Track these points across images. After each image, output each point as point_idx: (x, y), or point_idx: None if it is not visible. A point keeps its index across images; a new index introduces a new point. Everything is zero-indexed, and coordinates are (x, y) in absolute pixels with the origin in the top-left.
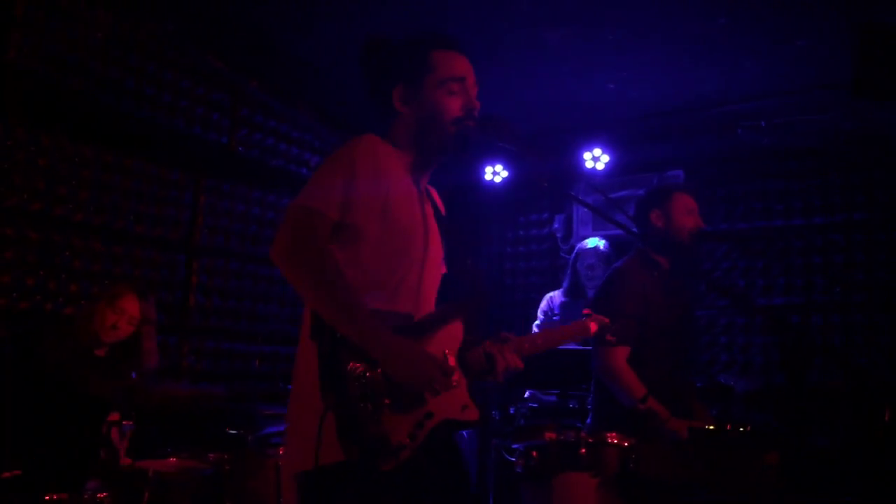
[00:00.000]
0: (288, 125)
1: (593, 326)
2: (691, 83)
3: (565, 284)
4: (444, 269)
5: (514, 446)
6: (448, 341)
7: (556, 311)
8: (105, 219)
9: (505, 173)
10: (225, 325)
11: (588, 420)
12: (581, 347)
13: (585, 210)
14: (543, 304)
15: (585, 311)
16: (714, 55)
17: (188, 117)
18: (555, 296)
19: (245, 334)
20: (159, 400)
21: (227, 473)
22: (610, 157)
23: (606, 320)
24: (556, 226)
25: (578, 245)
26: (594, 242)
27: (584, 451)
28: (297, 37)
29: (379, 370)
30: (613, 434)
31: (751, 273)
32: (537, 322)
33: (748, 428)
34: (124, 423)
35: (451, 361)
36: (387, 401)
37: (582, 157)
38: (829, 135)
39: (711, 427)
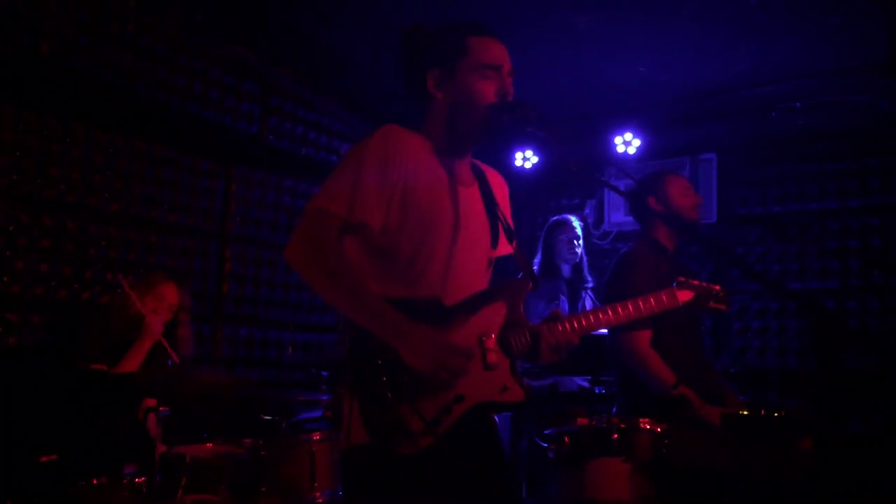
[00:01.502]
0: (317, 114)
1: (685, 295)
2: (723, 65)
3: (538, 262)
4: (504, 251)
5: (547, 432)
6: (487, 322)
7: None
8: (139, 208)
9: (535, 159)
10: (258, 313)
11: (614, 408)
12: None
13: (617, 195)
14: None
15: (680, 279)
16: (746, 36)
17: (218, 107)
18: None
19: (278, 322)
20: (197, 386)
21: (263, 459)
22: (641, 141)
23: (715, 287)
24: (587, 211)
25: (554, 219)
26: (571, 218)
27: (616, 436)
28: (326, 25)
29: (399, 356)
30: (646, 420)
31: (785, 257)
32: None
33: (782, 413)
34: (160, 409)
35: (490, 342)
36: (408, 386)
37: (613, 141)
38: (865, 116)
39: (745, 413)
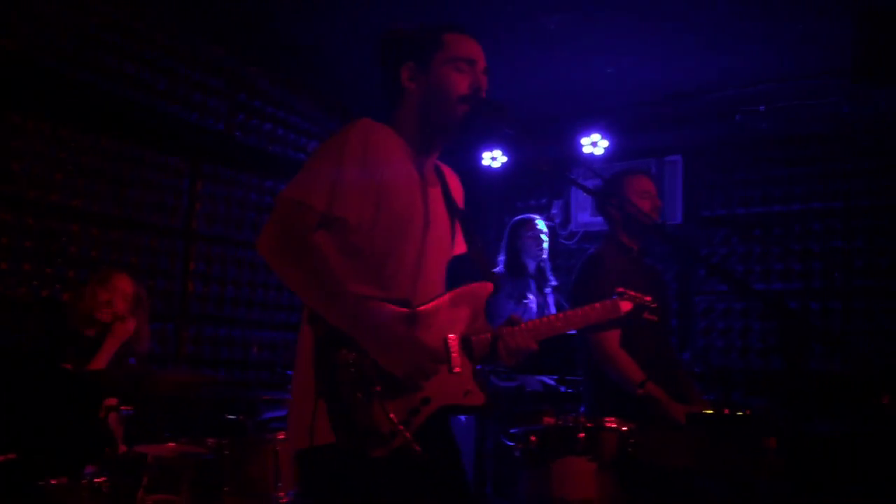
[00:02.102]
0: (286, 111)
1: (626, 306)
2: (691, 68)
3: (504, 261)
4: (459, 250)
5: (513, 431)
6: (451, 326)
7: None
8: (102, 205)
9: (504, 158)
10: (223, 312)
11: (582, 407)
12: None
13: (584, 195)
14: None
15: (619, 290)
16: (714, 40)
17: (185, 103)
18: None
19: (243, 321)
20: (161, 385)
21: (226, 459)
22: (609, 142)
23: (646, 298)
24: (554, 211)
25: (518, 218)
26: (535, 216)
27: (582, 435)
28: (296, 22)
29: (369, 357)
30: (612, 419)
31: (749, 259)
32: None
33: (747, 412)
34: (122, 408)
35: (454, 346)
36: (378, 388)
37: (580, 142)
38: (829, 120)
39: (710, 411)
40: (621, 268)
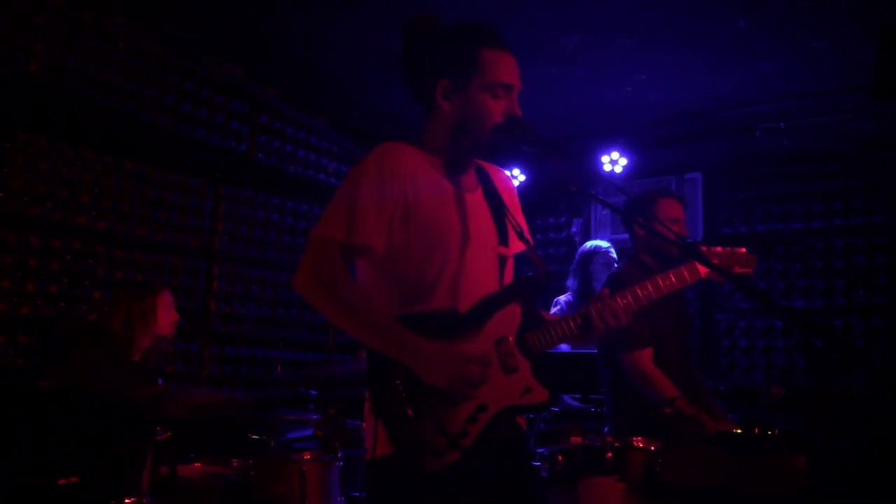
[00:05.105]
0: (306, 132)
1: (703, 270)
2: (709, 86)
3: (575, 286)
4: (515, 248)
5: (539, 451)
6: (502, 327)
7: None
8: (127, 227)
9: (522, 177)
10: (246, 331)
11: (605, 427)
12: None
13: (604, 213)
14: (555, 309)
15: (703, 248)
16: (732, 58)
17: (208, 125)
18: (562, 299)
19: (266, 340)
20: (187, 406)
21: (252, 479)
22: (628, 160)
23: (741, 251)
24: (574, 229)
25: (591, 247)
26: (606, 244)
27: (609, 455)
28: (315, 45)
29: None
30: (639, 438)
31: (770, 276)
32: None
33: (775, 432)
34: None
35: (509, 346)
36: (429, 403)
37: (600, 160)
38: (849, 137)
39: (739, 430)
40: None
